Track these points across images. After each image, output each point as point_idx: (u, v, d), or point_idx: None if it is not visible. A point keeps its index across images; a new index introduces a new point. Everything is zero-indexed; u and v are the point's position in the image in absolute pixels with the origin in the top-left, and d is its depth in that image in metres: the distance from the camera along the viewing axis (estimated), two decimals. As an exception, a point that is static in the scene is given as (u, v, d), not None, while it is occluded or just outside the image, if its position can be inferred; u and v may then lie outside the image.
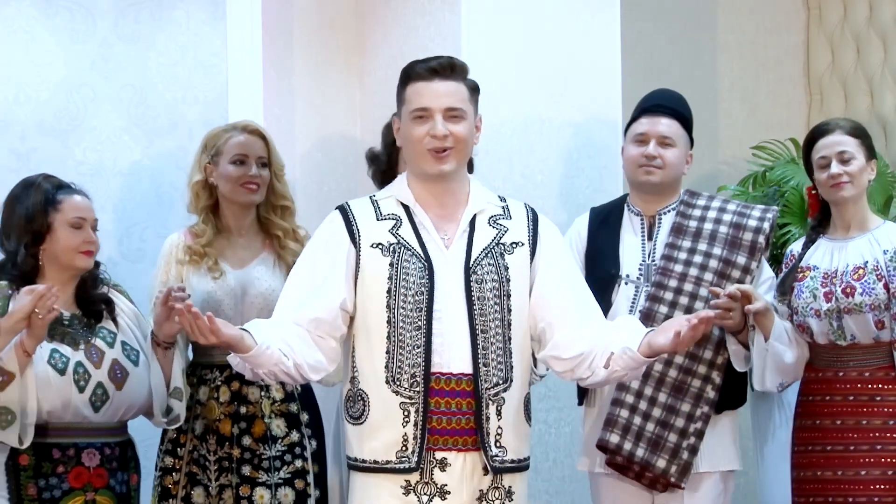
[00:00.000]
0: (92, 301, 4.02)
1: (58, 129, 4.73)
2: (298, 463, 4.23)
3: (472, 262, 3.50)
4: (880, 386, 4.09)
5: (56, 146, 4.72)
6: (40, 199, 3.98)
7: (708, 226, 4.23)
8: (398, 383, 3.44)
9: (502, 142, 4.78)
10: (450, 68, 3.53)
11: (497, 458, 3.45)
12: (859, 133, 4.17)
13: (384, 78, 5.16)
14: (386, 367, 3.45)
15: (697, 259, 4.19)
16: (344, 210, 3.58)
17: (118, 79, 4.80)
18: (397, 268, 3.48)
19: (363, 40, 5.33)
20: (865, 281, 4.06)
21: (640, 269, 4.25)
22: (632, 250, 4.28)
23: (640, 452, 4.11)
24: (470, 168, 4.04)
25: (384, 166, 4.43)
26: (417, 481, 3.44)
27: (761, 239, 4.21)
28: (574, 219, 4.57)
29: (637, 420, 4.12)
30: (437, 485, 3.44)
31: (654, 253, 4.25)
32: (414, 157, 3.54)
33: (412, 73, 3.55)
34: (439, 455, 3.44)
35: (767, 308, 4.09)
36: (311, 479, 4.24)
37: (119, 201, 4.79)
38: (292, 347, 3.45)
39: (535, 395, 3.68)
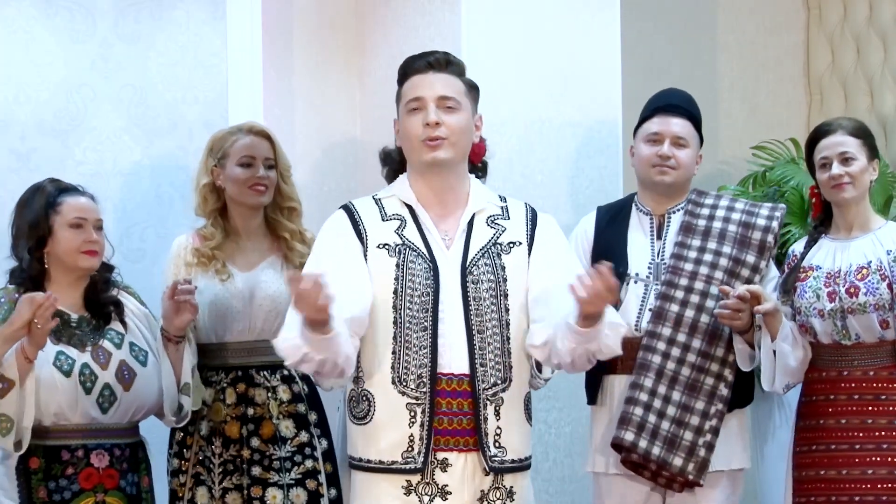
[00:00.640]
0: (100, 304, 4.03)
1: (58, 129, 4.72)
2: (309, 463, 4.22)
3: (468, 263, 3.50)
4: (885, 385, 4.09)
5: (56, 146, 4.72)
6: (42, 202, 4.00)
7: (717, 224, 4.23)
8: (404, 384, 3.43)
9: (502, 142, 4.78)
10: (445, 62, 3.55)
11: (496, 459, 3.45)
12: (861, 133, 4.17)
13: (384, 78, 5.15)
14: (392, 367, 3.45)
15: (708, 257, 4.19)
16: (349, 210, 3.58)
17: (118, 79, 4.79)
18: (403, 269, 3.47)
19: (363, 40, 5.33)
20: (869, 281, 4.06)
21: (649, 268, 4.25)
22: (640, 249, 4.28)
23: (655, 451, 4.10)
24: (484, 172, 4.04)
25: (396, 165, 4.42)
26: (419, 481, 3.44)
27: (770, 238, 4.21)
28: (573, 219, 4.58)
29: (652, 418, 4.11)
30: (437, 485, 3.44)
31: (663, 252, 4.26)
32: (410, 150, 3.55)
33: (408, 69, 3.57)
34: (441, 455, 3.44)
35: (777, 309, 4.09)
36: (322, 478, 4.22)
37: (119, 201, 4.78)
38: (348, 345, 3.41)
39: (535, 394, 3.68)
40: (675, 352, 4.14)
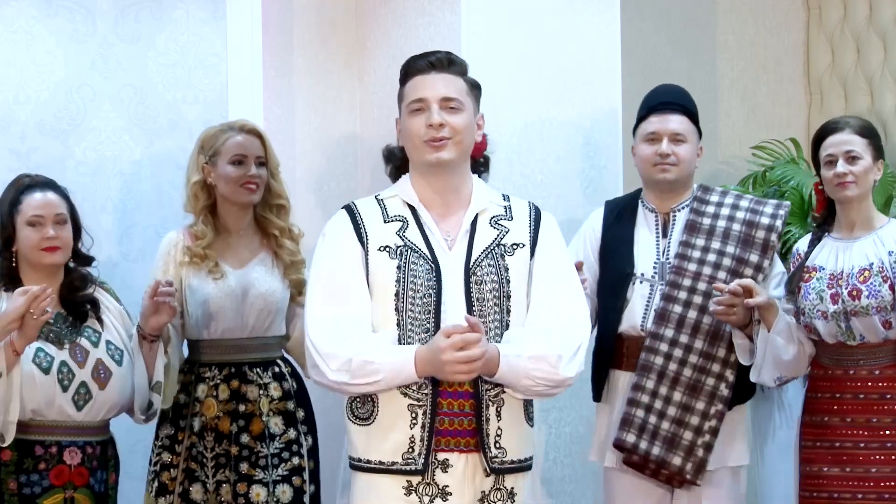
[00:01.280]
0: (77, 302, 4.03)
1: (58, 129, 4.72)
2: (296, 460, 4.26)
3: (471, 264, 3.49)
4: (890, 384, 4.10)
5: (56, 146, 4.72)
6: (7, 201, 4.04)
7: (721, 223, 4.24)
8: (407, 385, 3.43)
9: (502, 142, 4.78)
10: (447, 62, 3.54)
11: (497, 459, 3.45)
12: (868, 133, 4.16)
13: (384, 78, 5.16)
14: None
15: (711, 258, 4.20)
16: (351, 211, 3.57)
17: (118, 79, 4.79)
18: (405, 270, 3.47)
19: (363, 40, 5.32)
20: (871, 283, 4.06)
21: (654, 268, 4.26)
22: (646, 248, 4.29)
23: (655, 451, 4.13)
24: (486, 167, 4.04)
25: (399, 162, 4.42)
26: (419, 482, 3.43)
27: (773, 237, 4.22)
28: (573, 219, 4.58)
29: (653, 419, 4.14)
30: (438, 486, 3.44)
31: (668, 251, 4.27)
32: (413, 151, 3.54)
33: (410, 69, 3.56)
34: (441, 456, 3.44)
35: (770, 302, 4.09)
36: (306, 475, 4.27)
37: (119, 201, 4.78)
38: None
39: (535, 395, 3.68)
40: (678, 353, 4.15)
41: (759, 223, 4.23)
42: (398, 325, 3.44)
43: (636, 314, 4.21)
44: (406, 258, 3.48)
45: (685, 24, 5.75)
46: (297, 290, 4.32)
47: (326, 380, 3.44)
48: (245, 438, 4.22)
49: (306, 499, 4.26)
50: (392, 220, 3.53)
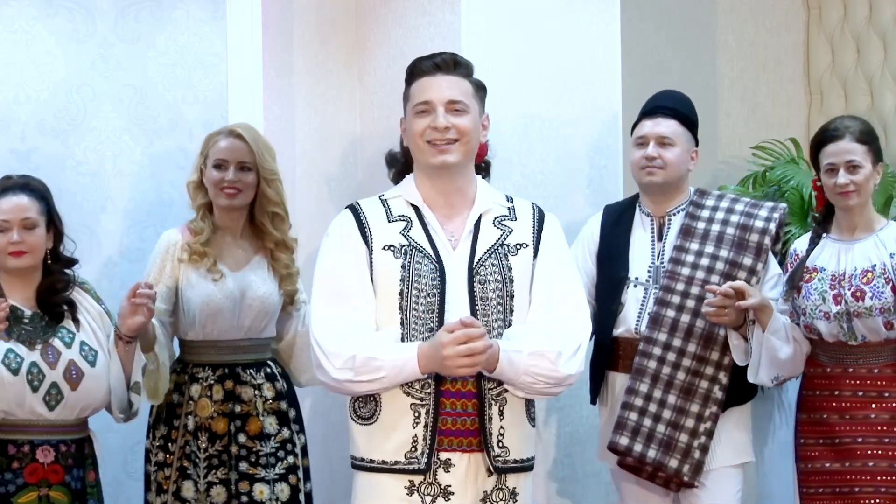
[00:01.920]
0: (52, 303, 4.03)
1: (58, 129, 4.72)
2: (290, 459, 4.30)
3: (475, 263, 3.49)
4: (888, 383, 4.12)
5: (56, 146, 4.71)
6: None
7: (715, 227, 4.25)
8: (410, 385, 3.43)
9: (502, 142, 4.78)
10: (453, 64, 3.55)
11: (499, 459, 3.45)
12: (867, 138, 4.17)
13: (384, 78, 5.16)
14: None
15: (704, 262, 4.21)
16: (355, 211, 3.58)
17: (118, 79, 4.79)
18: (409, 270, 3.47)
19: (363, 40, 5.32)
20: (874, 285, 4.07)
21: (649, 271, 4.28)
22: (642, 252, 4.31)
23: (651, 453, 4.15)
24: (487, 171, 4.05)
25: (402, 167, 4.42)
26: (421, 482, 3.44)
27: (767, 240, 4.23)
28: (573, 219, 4.59)
29: (647, 422, 4.17)
30: (440, 485, 3.44)
31: (663, 254, 4.28)
32: (417, 152, 3.54)
33: (416, 70, 3.56)
34: (444, 456, 3.44)
35: (763, 303, 4.10)
36: (300, 473, 4.30)
37: (119, 201, 4.78)
38: None
39: (535, 395, 3.68)
40: (671, 356, 4.17)
41: (754, 226, 4.24)
42: (402, 324, 3.45)
43: (631, 318, 4.24)
44: (410, 257, 3.48)
45: (685, 24, 5.75)
46: (289, 299, 4.37)
47: (330, 378, 3.44)
48: (243, 438, 4.24)
49: (302, 497, 4.29)
50: (396, 220, 3.54)
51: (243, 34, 4.93)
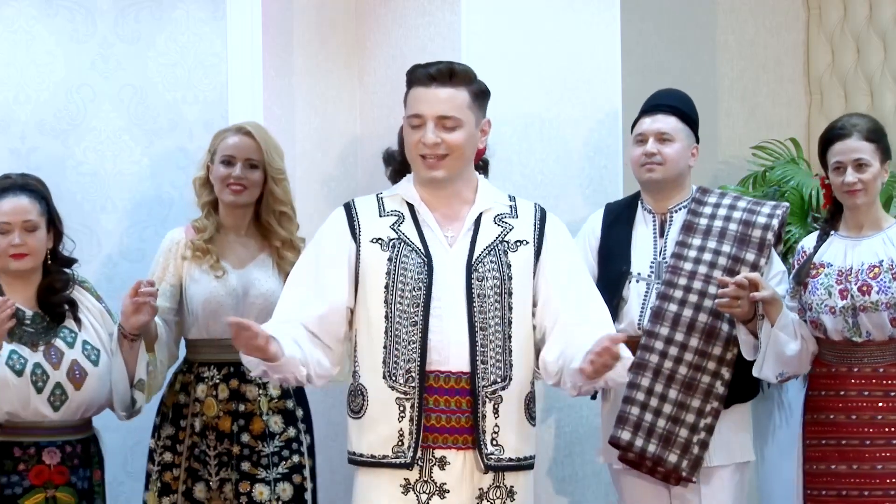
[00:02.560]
0: (53, 303, 4.03)
1: (58, 129, 4.72)
2: (296, 458, 4.28)
3: (473, 260, 3.50)
4: (894, 382, 4.10)
5: (56, 146, 4.72)
6: None
7: (718, 223, 4.26)
8: (394, 378, 3.44)
9: (502, 142, 4.78)
10: (448, 75, 3.52)
11: (493, 457, 3.45)
12: (876, 136, 4.16)
13: (384, 78, 5.16)
14: (383, 361, 3.46)
15: (707, 257, 4.21)
16: (348, 206, 3.60)
17: (118, 79, 4.80)
18: (396, 263, 3.48)
19: (363, 40, 5.32)
20: (881, 279, 4.08)
21: (651, 267, 4.28)
22: (644, 247, 4.31)
23: (651, 448, 4.15)
24: (485, 170, 4.05)
25: (398, 165, 4.43)
26: (416, 479, 3.44)
27: (770, 235, 4.23)
28: (573, 219, 4.58)
29: (648, 417, 4.17)
30: (436, 483, 3.44)
31: (665, 250, 4.28)
32: (411, 162, 3.56)
33: (413, 78, 3.56)
34: (439, 453, 3.45)
35: (774, 297, 4.10)
36: (307, 473, 4.28)
37: (119, 201, 4.78)
38: (307, 357, 3.48)
39: (535, 394, 3.68)
40: (673, 351, 4.17)
41: (756, 222, 4.25)
42: (386, 317, 3.47)
43: (633, 313, 4.24)
44: (398, 251, 3.49)
45: (685, 24, 5.74)
46: None
47: None
48: (246, 438, 4.24)
49: (307, 496, 4.28)
50: (388, 215, 3.55)
51: (243, 34, 4.94)
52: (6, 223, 3.99)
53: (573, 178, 4.95)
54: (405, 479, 3.44)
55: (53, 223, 4.07)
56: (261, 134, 4.34)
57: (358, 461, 3.50)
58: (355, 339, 3.54)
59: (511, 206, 3.61)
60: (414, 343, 3.45)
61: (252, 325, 3.36)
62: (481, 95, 3.57)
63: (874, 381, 4.12)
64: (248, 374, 4.26)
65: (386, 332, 3.46)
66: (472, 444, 3.45)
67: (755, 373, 4.17)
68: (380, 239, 3.51)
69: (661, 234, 4.33)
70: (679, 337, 4.18)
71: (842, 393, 4.16)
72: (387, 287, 3.47)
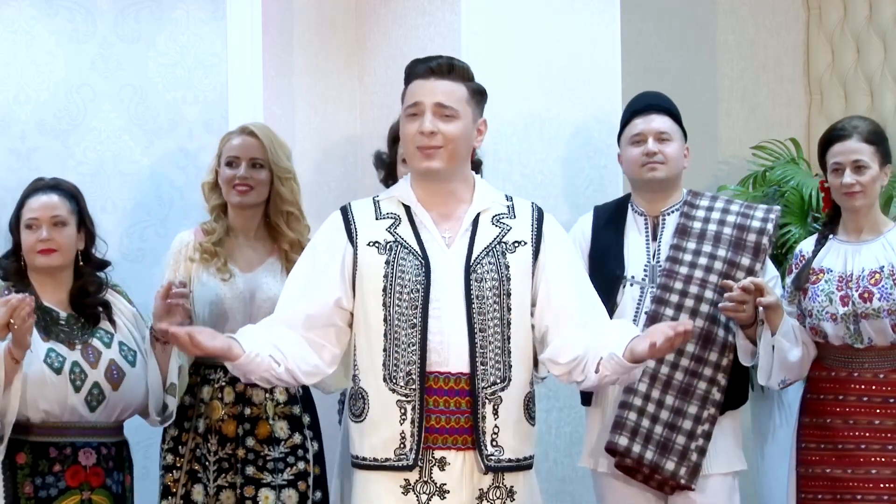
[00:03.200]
0: (87, 305, 4.03)
1: (58, 129, 4.73)
2: (301, 465, 4.24)
3: (472, 261, 3.49)
4: (894, 388, 4.09)
5: (56, 146, 4.72)
6: (17, 204, 4.06)
7: (712, 227, 4.24)
8: (394, 381, 3.44)
9: (502, 142, 4.78)
10: (448, 68, 3.53)
11: (492, 458, 3.45)
12: (876, 139, 4.14)
13: (384, 78, 5.16)
14: (383, 364, 3.46)
15: (702, 261, 4.19)
16: (344, 210, 3.59)
17: (118, 79, 4.80)
18: (393, 265, 3.48)
19: (363, 40, 5.33)
20: (883, 286, 4.06)
21: (644, 271, 4.25)
22: (636, 251, 4.28)
23: (648, 455, 4.12)
24: (478, 170, 4.04)
25: (387, 168, 4.43)
26: (416, 480, 3.44)
27: (765, 240, 4.22)
28: (572, 219, 4.58)
29: (645, 423, 4.13)
30: (436, 484, 3.44)
31: (658, 254, 4.26)
32: (408, 157, 3.55)
33: (411, 73, 3.56)
34: (438, 454, 3.44)
35: (778, 303, 4.09)
36: (311, 480, 4.25)
37: (119, 201, 4.79)
38: (284, 353, 3.46)
39: (535, 395, 3.68)
40: (670, 356, 4.13)
41: (751, 227, 4.23)
42: (385, 320, 3.46)
43: (627, 317, 4.18)
44: (395, 253, 3.49)
45: (685, 24, 5.74)
46: None
47: None
48: (251, 442, 4.21)
49: None
50: (384, 218, 3.54)
51: (243, 34, 4.94)
52: (34, 218, 4.00)
53: (573, 178, 4.95)
54: (405, 479, 3.44)
55: (85, 224, 4.08)
56: (265, 133, 4.32)
57: (360, 464, 3.49)
58: (354, 343, 3.53)
59: (508, 206, 3.61)
60: (413, 345, 3.44)
61: (177, 330, 3.36)
62: (479, 94, 3.57)
63: (874, 386, 4.11)
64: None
65: (385, 335, 3.46)
66: (471, 445, 3.45)
67: (762, 381, 4.16)
68: (376, 242, 3.51)
69: (654, 238, 4.29)
70: None
71: (841, 397, 4.15)
72: (384, 290, 3.47)
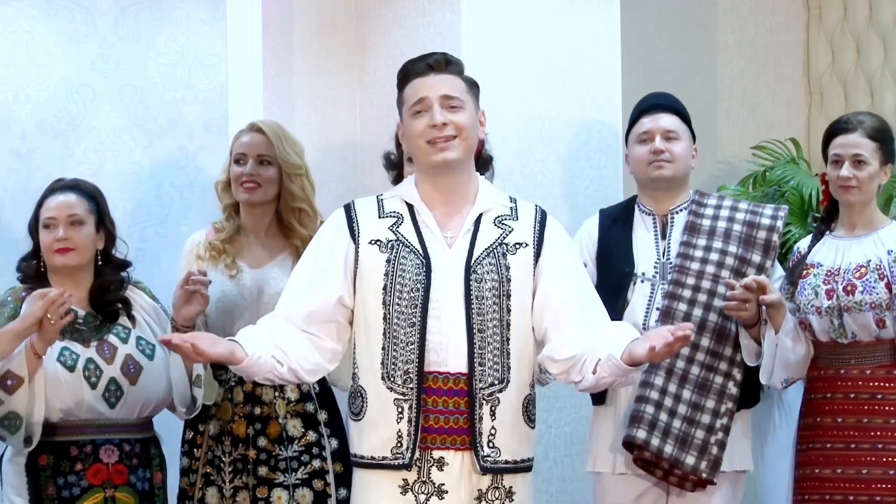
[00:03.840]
0: (106, 303, 4.03)
1: (58, 129, 4.73)
2: (316, 463, 4.21)
3: (472, 261, 3.49)
4: (881, 384, 4.08)
5: (56, 146, 4.72)
6: (37, 204, 4.06)
7: (722, 224, 4.24)
8: (392, 379, 3.44)
9: (502, 142, 4.78)
10: (444, 63, 3.54)
11: (489, 459, 3.44)
12: (880, 136, 4.13)
13: (384, 78, 5.16)
14: (382, 363, 3.46)
15: (714, 256, 4.19)
16: (348, 207, 3.60)
17: (118, 79, 4.80)
18: (394, 264, 3.48)
19: (363, 40, 5.33)
20: (867, 280, 4.06)
21: (655, 268, 4.25)
22: (646, 249, 4.28)
23: (668, 449, 4.09)
24: (488, 166, 4.04)
25: (394, 168, 4.41)
26: (415, 480, 3.44)
27: (775, 237, 4.22)
28: (573, 219, 4.58)
29: (663, 416, 4.11)
30: (434, 484, 3.44)
31: (668, 251, 4.26)
32: (417, 153, 3.54)
33: (408, 73, 3.56)
34: (437, 454, 3.44)
35: (781, 301, 4.09)
36: (331, 478, 4.21)
37: (119, 201, 4.78)
38: (286, 353, 3.47)
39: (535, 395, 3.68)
40: (685, 350, 4.10)
41: (760, 224, 4.24)
42: (384, 318, 3.46)
43: (637, 313, 4.18)
44: (396, 252, 3.49)
45: (685, 24, 5.75)
46: None
47: None
48: (262, 442, 4.18)
49: (331, 502, 4.20)
50: (387, 216, 3.55)
51: (243, 34, 4.94)
52: (51, 218, 4.00)
53: (573, 178, 4.95)
54: (403, 479, 3.44)
55: (104, 224, 4.07)
56: (273, 130, 4.30)
57: (359, 463, 3.50)
58: (354, 342, 3.54)
59: (512, 208, 3.61)
60: (412, 344, 3.44)
61: (178, 341, 3.35)
62: (474, 86, 3.59)
63: (860, 382, 4.10)
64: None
65: (384, 334, 3.46)
66: (469, 445, 3.45)
67: (764, 380, 4.16)
68: (378, 240, 3.51)
69: (664, 236, 4.29)
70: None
71: (829, 396, 4.14)
72: (385, 288, 3.47)
